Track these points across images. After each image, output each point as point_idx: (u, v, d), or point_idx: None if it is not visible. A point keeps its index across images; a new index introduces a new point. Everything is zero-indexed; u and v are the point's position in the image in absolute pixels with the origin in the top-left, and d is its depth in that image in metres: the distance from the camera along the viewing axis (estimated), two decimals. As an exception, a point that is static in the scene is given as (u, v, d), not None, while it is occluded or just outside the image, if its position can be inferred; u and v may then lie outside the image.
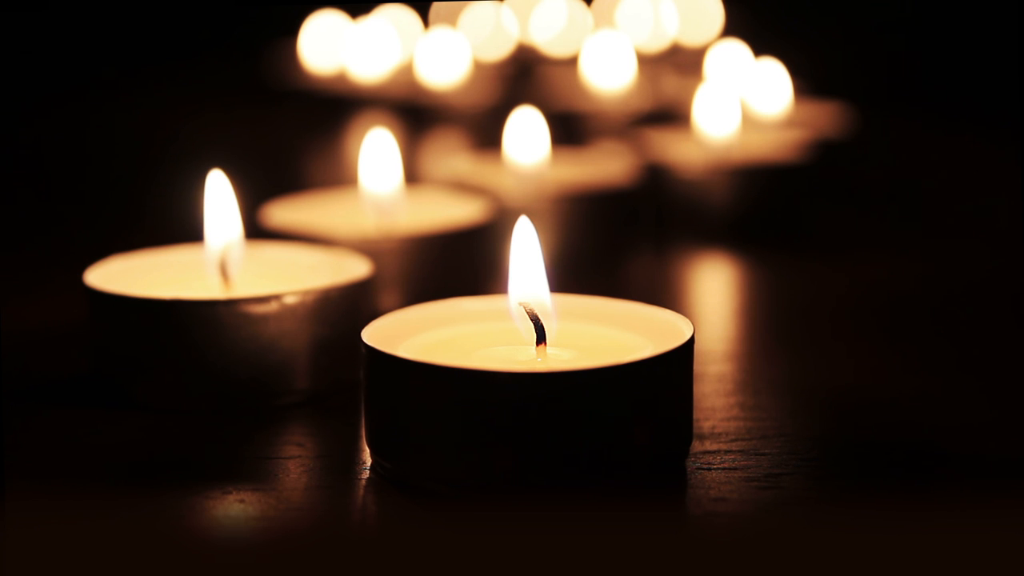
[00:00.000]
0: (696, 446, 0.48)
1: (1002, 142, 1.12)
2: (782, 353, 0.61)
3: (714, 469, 0.46)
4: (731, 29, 1.55)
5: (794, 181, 0.86)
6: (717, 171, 0.83)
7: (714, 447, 0.48)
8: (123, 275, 0.56)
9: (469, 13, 1.65)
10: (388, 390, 0.45)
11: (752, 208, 0.83)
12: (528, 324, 0.47)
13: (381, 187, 0.69)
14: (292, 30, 1.57)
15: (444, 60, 1.37)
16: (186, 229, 0.64)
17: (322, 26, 1.57)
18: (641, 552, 0.40)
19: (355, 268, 0.56)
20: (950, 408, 0.52)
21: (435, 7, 1.65)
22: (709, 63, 1.20)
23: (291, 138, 1.26)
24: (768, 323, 0.68)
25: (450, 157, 0.95)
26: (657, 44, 1.59)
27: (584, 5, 1.70)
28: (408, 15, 1.61)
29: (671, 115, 1.08)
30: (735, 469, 0.46)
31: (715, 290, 0.76)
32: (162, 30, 1.72)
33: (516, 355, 0.47)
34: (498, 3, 1.65)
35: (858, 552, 0.40)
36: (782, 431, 0.49)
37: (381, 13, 1.59)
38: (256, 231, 0.64)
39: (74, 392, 0.54)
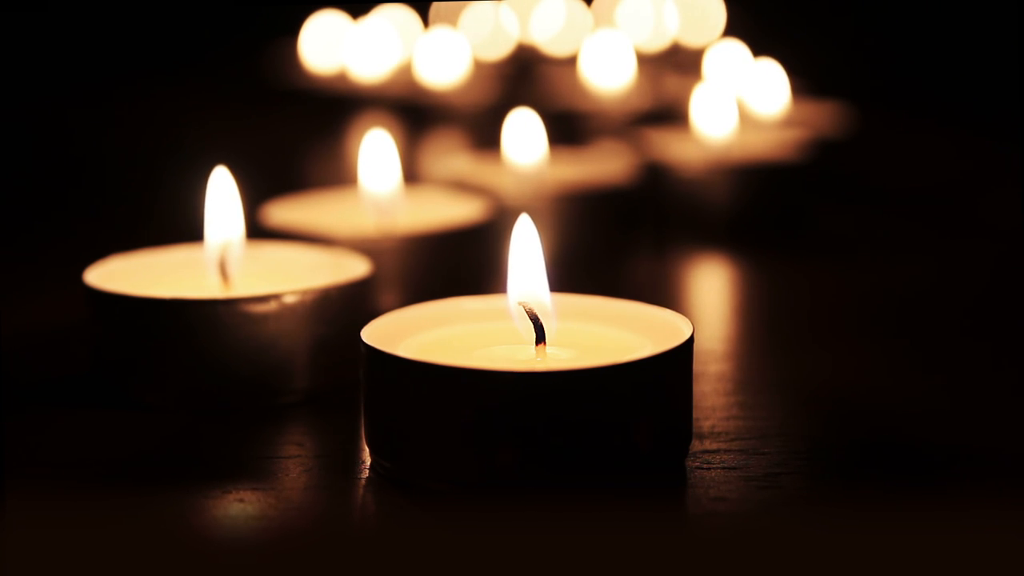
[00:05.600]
0: (696, 446, 0.48)
1: (1002, 142, 1.12)
2: (781, 353, 0.61)
3: (714, 468, 0.46)
4: (731, 29, 1.56)
5: (793, 181, 0.86)
6: (716, 170, 0.83)
7: (714, 447, 0.48)
8: (123, 275, 0.56)
9: (469, 13, 1.65)
10: (387, 390, 0.45)
11: (751, 207, 0.83)
12: (528, 324, 0.47)
13: (381, 187, 0.69)
14: (292, 30, 1.57)
15: (444, 60, 1.37)
16: (185, 228, 0.64)
17: (322, 26, 1.57)
18: (641, 552, 0.40)
19: (355, 268, 0.56)
20: (950, 408, 0.52)
21: (435, 7, 1.65)
22: (708, 63, 1.20)
23: (291, 138, 1.26)
24: (767, 322, 0.68)
25: (450, 157, 0.95)
26: (657, 44, 1.59)
27: (584, 5, 1.70)
28: (408, 15, 1.61)
29: (671, 115, 1.08)
30: (734, 468, 0.46)
31: (714, 290, 0.76)
32: (161, 30, 1.72)
33: (516, 355, 0.47)
34: (498, 3, 1.65)
35: (857, 551, 0.40)
36: (781, 431, 0.49)
37: (381, 13, 1.59)
38: (256, 231, 0.64)
39: (74, 392, 0.54)
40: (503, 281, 0.49)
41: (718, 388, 0.55)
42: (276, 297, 0.52)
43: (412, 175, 0.91)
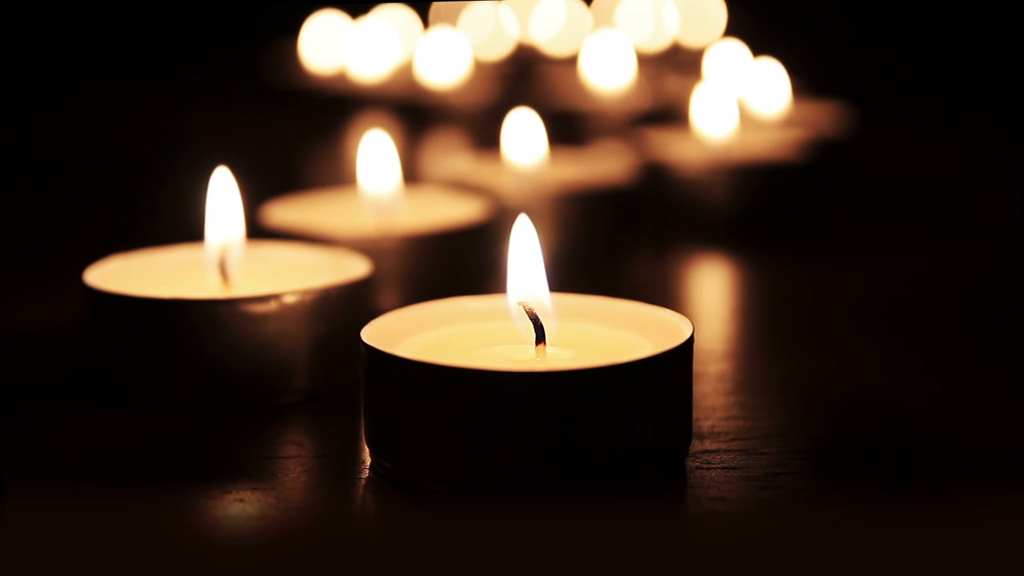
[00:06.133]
0: (696, 446, 0.48)
1: (1001, 141, 1.12)
2: (781, 353, 0.61)
3: (713, 468, 0.46)
4: (730, 29, 1.56)
5: (793, 181, 0.86)
6: (716, 170, 0.83)
7: (714, 447, 0.48)
8: (123, 275, 0.56)
9: (469, 13, 1.65)
10: (388, 390, 0.45)
11: (751, 207, 0.83)
12: (528, 324, 0.47)
13: (381, 187, 0.69)
14: (292, 30, 1.57)
15: (444, 60, 1.37)
16: (185, 228, 0.64)
17: (322, 26, 1.57)
18: (641, 552, 0.40)
19: (355, 268, 0.56)
20: (949, 408, 0.52)
21: (435, 7, 1.65)
22: (708, 63, 1.20)
23: (291, 138, 1.26)
24: (767, 322, 0.68)
25: (450, 157, 0.95)
26: (657, 44, 1.59)
27: (584, 5, 1.70)
28: (408, 15, 1.61)
29: (671, 115, 1.08)
30: (734, 468, 0.46)
31: (714, 290, 0.76)
32: (161, 30, 1.72)
33: (516, 354, 0.47)
34: (498, 3, 1.65)
35: (857, 551, 0.40)
36: (781, 431, 0.49)
37: (381, 13, 1.59)
38: (256, 231, 0.64)
39: (74, 392, 0.54)
40: (503, 281, 0.49)
41: (718, 388, 0.55)
42: (276, 297, 0.52)
43: (412, 175, 0.91)
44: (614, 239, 0.80)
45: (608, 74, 1.27)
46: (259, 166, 0.85)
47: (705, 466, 0.46)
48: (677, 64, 1.46)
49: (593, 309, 0.50)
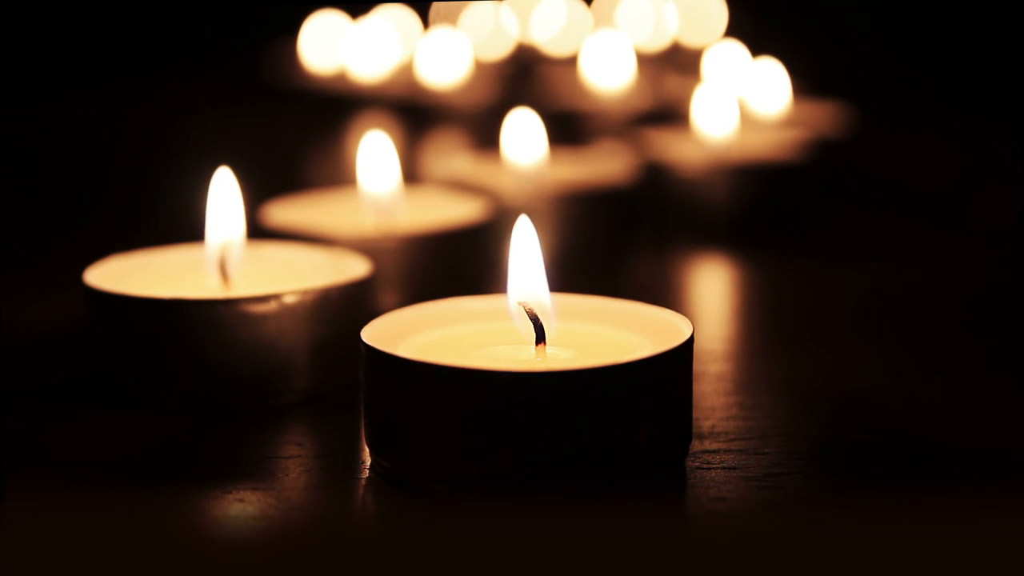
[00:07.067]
0: (696, 446, 0.48)
1: (1001, 141, 1.12)
2: (781, 353, 0.61)
3: (714, 468, 0.46)
4: (731, 29, 1.56)
5: (793, 181, 0.86)
6: (716, 170, 0.83)
7: (714, 447, 0.48)
8: (123, 275, 0.56)
9: (469, 13, 1.65)
10: (388, 389, 0.45)
11: (751, 207, 0.83)
12: (528, 324, 0.47)
13: (381, 187, 0.69)
14: (292, 30, 1.57)
15: (444, 60, 1.37)
16: (185, 228, 0.64)
17: (322, 26, 1.57)
18: (641, 552, 0.40)
19: (355, 268, 0.56)
20: (949, 408, 0.52)
21: (435, 7, 1.65)
22: (707, 63, 1.20)
23: (291, 138, 1.26)
24: (767, 322, 0.68)
25: (450, 157, 0.95)
26: (657, 44, 1.59)
27: (584, 5, 1.70)
28: (408, 15, 1.61)
29: (671, 115, 1.08)
30: (734, 468, 0.46)
31: (715, 290, 0.76)
32: (162, 30, 1.72)
33: (516, 354, 0.47)
34: (498, 3, 1.65)
35: (857, 552, 0.40)
36: (781, 431, 0.49)
37: (381, 13, 1.59)
38: (256, 231, 0.64)
39: (74, 392, 0.54)
40: (503, 281, 0.49)
41: (718, 388, 0.55)
42: (276, 297, 0.52)
43: (412, 175, 0.91)
44: (614, 239, 0.80)
45: (608, 74, 1.27)
46: (259, 166, 0.85)
47: (705, 466, 0.46)
48: (677, 64, 1.46)
49: (593, 309, 0.50)
